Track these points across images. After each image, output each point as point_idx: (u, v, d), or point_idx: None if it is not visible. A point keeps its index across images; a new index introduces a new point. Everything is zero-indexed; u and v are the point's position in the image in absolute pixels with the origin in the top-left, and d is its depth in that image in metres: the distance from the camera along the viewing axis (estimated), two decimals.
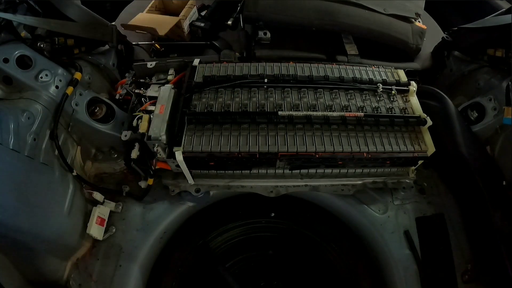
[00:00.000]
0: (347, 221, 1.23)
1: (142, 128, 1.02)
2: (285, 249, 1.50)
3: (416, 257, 1.09)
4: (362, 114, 1.07)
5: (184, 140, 1.00)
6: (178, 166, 1.03)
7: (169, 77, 1.21)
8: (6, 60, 0.98)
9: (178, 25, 1.53)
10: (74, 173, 1.09)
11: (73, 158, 1.15)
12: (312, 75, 1.16)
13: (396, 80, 1.20)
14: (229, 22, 1.52)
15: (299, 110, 1.08)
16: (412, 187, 1.19)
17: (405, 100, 1.16)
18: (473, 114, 1.23)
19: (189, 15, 1.57)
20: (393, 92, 1.16)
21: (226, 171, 1.13)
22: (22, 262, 0.93)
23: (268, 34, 1.29)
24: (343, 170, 1.14)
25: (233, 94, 1.12)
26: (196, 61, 1.22)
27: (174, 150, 0.98)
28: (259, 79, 1.14)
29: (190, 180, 1.12)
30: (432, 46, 1.52)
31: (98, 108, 1.20)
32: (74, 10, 1.20)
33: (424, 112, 1.11)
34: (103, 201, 1.11)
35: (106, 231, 1.07)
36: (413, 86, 1.17)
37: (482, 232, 1.07)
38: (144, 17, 1.57)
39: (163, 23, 1.50)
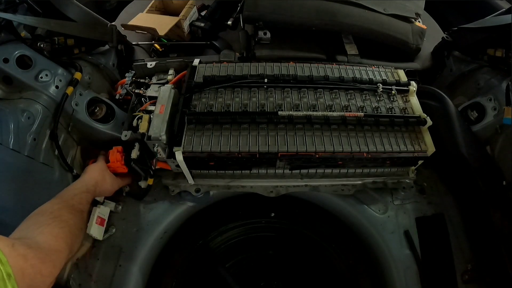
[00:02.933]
0: (347, 221, 1.23)
1: (142, 128, 1.02)
2: (285, 249, 1.50)
3: (416, 257, 1.09)
4: (362, 114, 1.07)
5: (184, 140, 1.00)
6: (178, 166, 1.03)
7: (169, 77, 1.21)
8: (6, 60, 0.98)
9: (178, 25, 1.53)
10: (74, 173, 1.09)
11: (73, 158, 1.15)
12: (312, 75, 1.16)
13: (396, 80, 1.20)
14: (229, 22, 1.52)
15: (299, 110, 1.08)
16: (412, 187, 1.19)
17: (405, 100, 1.16)
18: (473, 114, 1.23)
19: (189, 15, 1.57)
20: (393, 92, 1.16)
21: (226, 171, 1.13)
22: None
23: (268, 34, 1.29)
24: (343, 170, 1.14)
25: (233, 94, 1.12)
26: (196, 61, 1.22)
27: (174, 150, 0.98)
28: (259, 79, 1.14)
29: (190, 180, 1.12)
30: (432, 46, 1.52)
31: (98, 108, 1.20)
32: (74, 10, 1.20)
33: (424, 112, 1.11)
34: (103, 201, 1.11)
35: (106, 231, 1.07)
36: (413, 86, 1.17)
37: (482, 232, 1.07)
38: (144, 17, 1.57)
39: (163, 23, 1.50)
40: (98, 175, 1.01)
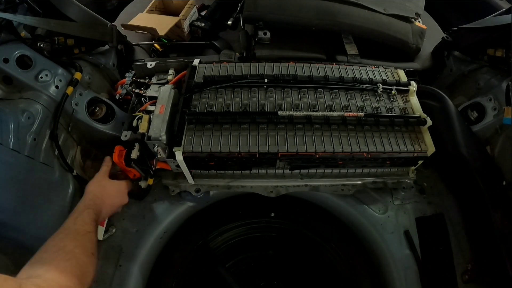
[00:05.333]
0: (347, 221, 1.23)
1: (142, 128, 1.02)
2: (285, 249, 1.50)
3: (416, 257, 1.09)
4: (362, 114, 1.07)
5: (184, 140, 1.00)
6: (178, 166, 1.03)
7: (169, 77, 1.21)
8: (6, 60, 0.98)
9: (178, 25, 1.53)
10: (74, 173, 1.09)
11: (73, 158, 1.15)
12: (312, 75, 1.16)
13: (396, 80, 1.20)
14: (229, 22, 1.52)
15: (299, 110, 1.08)
16: (412, 187, 1.19)
17: (405, 100, 1.16)
18: (473, 114, 1.23)
19: (189, 15, 1.57)
20: (393, 92, 1.16)
21: (226, 171, 1.13)
22: (22, 262, 0.93)
23: (268, 34, 1.29)
24: (343, 170, 1.14)
25: (233, 94, 1.12)
26: (196, 61, 1.22)
27: (174, 150, 0.98)
28: (259, 79, 1.14)
29: (190, 180, 1.13)
30: (432, 46, 1.52)
31: (98, 108, 1.20)
32: (74, 10, 1.20)
33: (424, 112, 1.11)
34: None
35: (106, 231, 1.07)
36: (413, 86, 1.17)
37: (482, 232, 1.07)
38: (144, 17, 1.57)
39: (163, 23, 1.50)
40: (94, 188, 0.96)
